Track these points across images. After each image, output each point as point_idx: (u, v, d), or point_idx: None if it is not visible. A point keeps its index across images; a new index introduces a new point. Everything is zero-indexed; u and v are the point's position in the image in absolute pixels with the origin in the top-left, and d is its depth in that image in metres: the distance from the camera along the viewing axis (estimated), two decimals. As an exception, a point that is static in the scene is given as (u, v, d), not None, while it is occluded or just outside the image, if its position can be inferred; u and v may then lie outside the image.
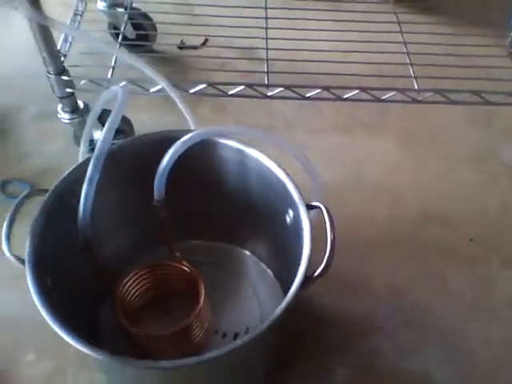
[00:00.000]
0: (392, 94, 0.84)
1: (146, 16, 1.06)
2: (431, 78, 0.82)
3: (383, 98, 0.85)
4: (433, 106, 0.85)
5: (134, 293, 0.69)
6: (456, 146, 1.01)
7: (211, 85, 0.83)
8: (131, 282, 0.68)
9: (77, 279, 0.61)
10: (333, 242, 0.54)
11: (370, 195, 0.92)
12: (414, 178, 0.95)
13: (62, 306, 0.54)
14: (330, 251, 0.53)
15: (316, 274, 0.53)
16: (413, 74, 0.85)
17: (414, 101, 0.84)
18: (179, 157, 0.61)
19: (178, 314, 0.69)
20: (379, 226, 0.88)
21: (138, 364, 0.50)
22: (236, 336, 0.71)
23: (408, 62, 0.88)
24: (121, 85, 0.80)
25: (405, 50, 0.90)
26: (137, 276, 0.69)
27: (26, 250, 0.57)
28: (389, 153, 0.99)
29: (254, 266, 0.78)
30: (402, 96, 0.84)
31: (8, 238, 0.57)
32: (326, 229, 0.56)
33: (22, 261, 0.56)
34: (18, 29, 0.81)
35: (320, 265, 0.53)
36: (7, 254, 0.57)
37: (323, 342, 0.75)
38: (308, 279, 0.53)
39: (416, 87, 0.83)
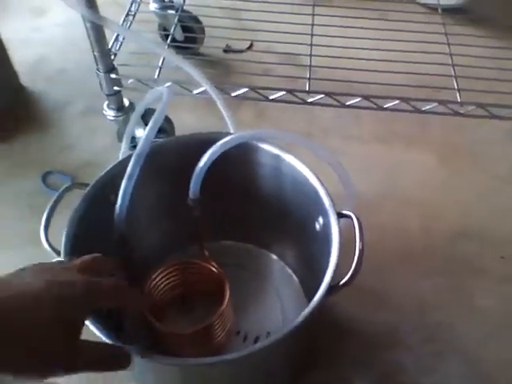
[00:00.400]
0: (433, 105, 0.82)
1: (196, 19, 1.08)
2: (475, 92, 0.81)
3: (424, 109, 0.84)
4: (475, 120, 0.83)
5: (162, 289, 0.71)
6: (497, 161, 0.98)
7: (253, 89, 0.84)
8: (159, 277, 0.70)
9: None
10: (361, 252, 0.54)
11: (403, 207, 0.91)
12: (449, 193, 0.93)
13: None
14: (358, 261, 0.53)
15: (341, 283, 0.53)
16: (456, 87, 0.84)
17: (456, 113, 0.83)
18: (216, 158, 0.63)
19: (201, 313, 0.71)
20: (409, 238, 0.87)
21: (162, 360, 0.50)
22: (257, 339, 0.71)
23: (452, 74, 0.86)
24: (166, 85, 0.83)
25: (450, 62, 0.88)
26: (165, 272, 0.70)
27: (62, 241, 0.59)
28: (426, 165, 0.98)
29: (280, 270, 0.78)
30: (443, 108, 0.82)
31: (46, 229, 0.60)
32: (355, 238, 0.56)
33: (57, 252, 0.58)
34: (76, 24, 0.84)
35: (346, 274, 0.53)
36: (44, 244, 0.59)
37: (343, 352, 0.75)
38: (333, 288, 0.53)
39: (459, 100, 0.82)
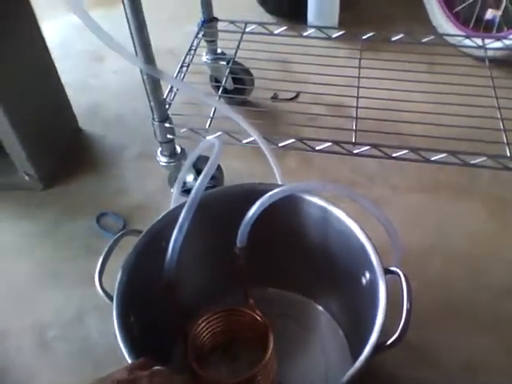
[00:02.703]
0: (482, 159, 0.82)
1: (246, 71, 1.12)
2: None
3: (472, 162, 0.84)
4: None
5: (206, 335, 0.71)
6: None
7: (300, 140, 0.86)
8: (204, 324, 0.70)
9: (157, 317, 0.64)
10: (409, 311, 0.53)
11: (451, 261, 0.90)
12: (499, 247, 0.91)
13: (140, 342, 0.58)
14: (405, 321, 0.52)
15: (388, 343, 0.52)
16: (505, 141, 0.84)
17: (505, 168, 0.82)
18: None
19: (244, 362, 0.71)
20: (458, 294, 0.86)
21: None
22: (299, 392, 0.70)
23: (501, 127, 0.86)
24: (217, 135, 0.86)
25: (498, 116, 0.88)
26: (210, 319, 0.71)
27: (115, 288, 0.61)
28: (474, 218, 0.96)
29: (325, 322, 0.78)
30: (492, 162, 0.82)
31: (101, 274, 0.62)
32: (402, 296, 0.55)
33: (109, 297, 0.61)
34: (132, 71, 0.90)
35: (393, 332, 0.53)
36: (98, 289, 0.61)
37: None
38: (379, 347, 0.53)
39: (508, 154, 0.82)
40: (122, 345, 0.55)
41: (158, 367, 0.50)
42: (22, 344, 0.83)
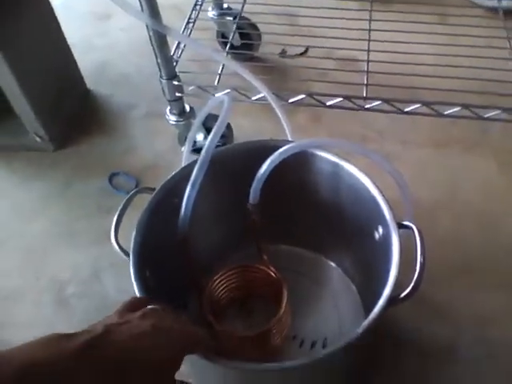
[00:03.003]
0: (496, 112, 0.81)
1: (253, 26, 1.10)
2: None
3: (486, 116, 0.82)
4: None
5: (221, 291, 0.73)
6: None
7: (310, 95, 0.85)
8: (220, 279, 0.72)
9: (171, 273, 0.65)
10: (422, 265, 0.54)
11: (463, 217, 0.90)
12: (510, 201, 0.91)
13: (156, 295, 0.58)
14: (419, 274, 0.53)
15: (402, 296, 0.53)
16: (520, 93, 0.82)
17: (519, 121, 0.81)
18: (275, 165, 0.65)
19: (258, 316, 0.73)
20: (470, 250, 0.86)
21: (229, 364, 0.52)
22: (313, 344, 0.72)
23: (516, 79, 0.84)
24: (226, 92, 0.85)
25: (512, 67, 0.86)
26: (226, 275, 0.72)
27: (131, 244, 0.62)
28: (487, 173, 0.96)
29: (337, 277, 0.79)
30: (506, 115, 0.81)
31: (116, 231, 0.63)
32: (415, 250, 0.56)
33: (126, 253, 0.62)
34: (139, 28, 0.88)
35: (406, 286, 0.54)
36: (115, 245, 0.62)
37: (399, 363, 0.75)
38: (393, 300, 0.53)
39: (522, 106, 0.80)
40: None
41: (150, 306, 0.50)
42: (40, 300, 0.86)
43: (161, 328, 0.45)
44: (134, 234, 0.63)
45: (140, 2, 0.74)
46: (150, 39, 0.81)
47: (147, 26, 0.78)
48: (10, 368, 0.37)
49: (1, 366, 0.37)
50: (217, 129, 0.64)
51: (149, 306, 0.50)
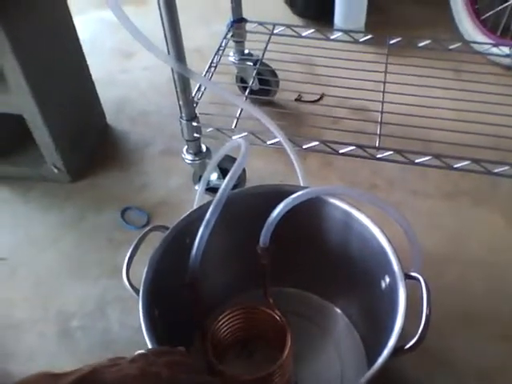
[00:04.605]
0: (505, 168, 0.83)
1: (273, 72, 1.14)
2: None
3: (495, 171, 0.84)
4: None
5: (225, 331, 0.73)
6: None
7: (323, 143, 0.87)
8: (224, 320, 0.72)
9: (177, 311, 0.66)
10: (428, 317, 0.54)
11: (469, 269, 0.90)
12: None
13: (162, 335, 0.59)
14: (424, 327, 0.53)
15: (406, 347, 0.53)
16: (531, 151, 0.84)
17: (529, 178, 0.83)
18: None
19: (260, 359, 0.73)
20: (476, 302, 0.86)
21: None
22: (315, 392, 0.72)
23: (527, 137, 0.86)
24: (242, 135, 0.88)
25: (524, 125, 0.88)
26: (230, 315, 0.72)
27: (142, 281, 0.63)
28: (494, 227, 0.96)
29: (341, 324, 0.79)
30: (515, 172, 0.82)
31: (128, 268, 0.64)
32: (421, 301, 0.56)
33: (135, 290, 0.63)
34: (160, 68, 0.90)
35: (410, 336, 0.54)
36: (126, 282, 0.63)
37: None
38: (397, 351, 0.53)
39: (532, 164, 0.82)
40: (147, 338, 0.57)
41: (141, 351, 0.50)
42: (45, 332, 0.86)
43: (148, 372, 0.46)
44: (145, 271, 0.64)
45: (167, 46, 0.77)
46: (174, 82, 0.84)
47: (172, 69, 0.81)
48: None
49: None
50: (233, 173, 0.66)
51: (140, 351, 0.51)
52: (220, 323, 0.72)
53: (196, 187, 0.98)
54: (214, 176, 0.96)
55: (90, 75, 1.13)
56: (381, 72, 0.99)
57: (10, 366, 0.80)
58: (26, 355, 0.83)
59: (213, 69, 1.01)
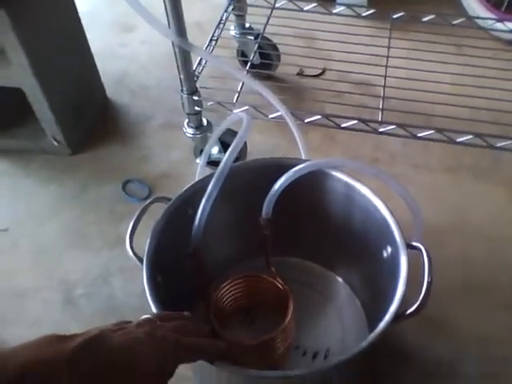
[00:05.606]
0: (508, 142, 0.83)
1: (274, 46, 1.13)
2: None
3: (498, 145, 0.84)
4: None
5: (228, 299, 0.74)
6: None
7: (326, 116, 0.87)
8: (227, 288, 0.73)
9: (180, 280, 0.67)
10: (429, 284, 0.55)
11: (470, 240, 0.91)
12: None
13: (166, 302, 0.60)
14: (425, 294, 0.54)
15: (407, 313, 0.54)
16: (533, 124, 0.84)
17: (531, 152, 0.83)
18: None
19: (262, 326, 0.74)
20: (476, 272, 0.87)
21: (240, 371, 0.53)
22: (315, 355, 0.74)
23: (529, 111, 0.86)
24: (244, 109, 0.87)
25: (527, 99, 0.88)
26: (233, 284, 0.73)
27: (145, 249, 0.63)
28: (495, 200, 0.97)
29: (343, 292, 0.80)
30: (517, 146, 0.83)
31: (131, 238, 0.64)
32: (423, 270, 0.57)
33: (139, 259, 0.63)
34: (160, 42, 0.88)
35: (411, 303, 0.55)
36: (129, 252, 0.64)
37: (399, 378, 0.76)
38: (398, 317, 0.54)
39: (534, 137, 0.82)
40: (151, 303, 0.58)
41: (146, 316, 0.51)
42: (50, 299, 0.87)
43: (155, 336, 0.47)
44: (148, 240, 0.64)
45: (168, 20, 0.77)
46: (175, 55, 0.83)
47: (173, 43, 0.81)
48: (4, 369, 0.38)
49: None
50: (235, 145, 0.66)
51: (146, 316, 0.51)
52: (222, 291, 0.73)
53: (197, 161, 0.98)
54: (215, 150, 0.96)
55: (89, 48, 1.12)
56: (384, 47, 0.98)
57: (15, 332, 0.82)
58: (31, 322, 0.84)
59: (213, 43, 1.00)
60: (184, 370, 0.51)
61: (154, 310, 0.57)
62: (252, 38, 1.09)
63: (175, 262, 0.66)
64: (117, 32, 1.37)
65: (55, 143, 1.06)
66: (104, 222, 0.96)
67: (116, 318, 0.50)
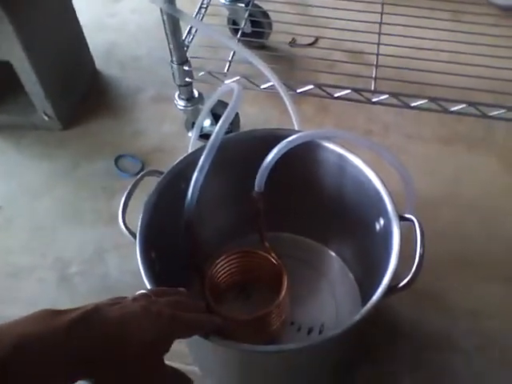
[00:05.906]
0: (501, 111, 0.82)
1: (265, 14, 1.10)
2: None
3: (491, 114, 0.83)
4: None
5: (222, 275, 0.74)
6: None
7: (318, 86, 0.86)
8: (221, 264, 0.73)
9: (174, 255, 0.66)
10: (421, 257, 0.55)
11: (464, 212, 0.91)
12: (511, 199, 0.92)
13: (161, 278, 0.60)
14: (418, 266, 0.54)
15: (400, 285, 0.54)
16: (527, 93, 0.83)
17: (524, 121, 0.82)
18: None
19: (257, 301, 0.75)
20: (469, 244, 0.87)
21: (236, 346, 0.53)
22: (310, 330, 0.74)
23: (524, 79, 0.85)
24: (235, 79, 0.86)
25: (522, 67, 0.87)
26: (227, 259, 0.73)
27: (138, 224, 0.63)
28: (489, 171, 0.97)
29: (336, 266, 0.81)
30: (511, 114, 0.82)
31: (124, 213, 0.63)
32: (415, 241, 0.57)
33: (133, 234, 0.63)
34: (150, 11, 0.86)
35: (404, 277, 0.55)
36: (122, 227, 0.63)
37: (393, 350, 0.76)
38: (391, 290, 0.54)
39: (528, 106, 0.81)
40: (145, 279, 0.58)
41: (142, 291, 0.51)
42: (45, 278, 0.87)
43: (151, 311, 0.47)
44: (141, 215, 0.64)
45: (154, -14, 0.74)
46: (164, 24, 0.81)
47: (161, 10, 0.78)
48: (1, 343, 0.38)
49: None
50: (226, 116, 0.65)
51: (142, 291, 0.51)
52: (217, 267, 0.73)
53: (189, 134, 0.97)
54: (207, 122, 0.95)
55: (77, 19, 1.09)
56: (377, 13, 0.96)
57: (9, 311, 0.82)
58: (26, 301, 0.84)
59: (203, 10, 0.98)
60: (179, 346, 0.52)
61: (149, 286, 0.57)
62: (243, 5, 1.06)
63: (169, 238, 0.66)
64: (105, 2, 1.33)
65: (46, 118, 1.04)
66: (97, 198, 0.96)
67: (111, 295, 0.50)
